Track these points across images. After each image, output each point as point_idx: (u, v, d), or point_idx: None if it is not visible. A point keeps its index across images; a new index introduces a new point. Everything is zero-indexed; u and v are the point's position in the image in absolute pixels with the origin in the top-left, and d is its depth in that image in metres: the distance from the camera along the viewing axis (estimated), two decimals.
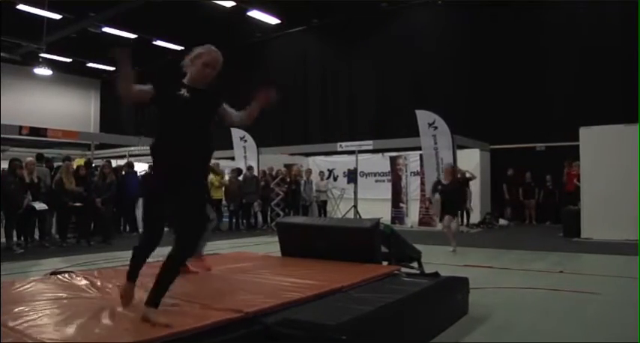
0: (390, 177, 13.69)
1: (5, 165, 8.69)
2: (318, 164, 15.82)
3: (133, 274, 3.05)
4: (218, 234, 11.15)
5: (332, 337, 2.65)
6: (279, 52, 19.75)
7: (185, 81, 3.11)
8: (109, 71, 25.51)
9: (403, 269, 4.63)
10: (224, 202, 12.37)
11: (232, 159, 14.50)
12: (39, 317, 2.74)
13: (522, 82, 13.96)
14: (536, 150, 13.77)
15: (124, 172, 11.30)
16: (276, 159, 14.67)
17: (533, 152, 13.77)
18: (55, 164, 10.46)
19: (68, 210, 8.82)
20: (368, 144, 14.30)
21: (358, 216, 12.42)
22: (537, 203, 13.58)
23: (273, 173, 13.41)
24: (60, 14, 16.51)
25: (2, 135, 11.18)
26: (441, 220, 8.37)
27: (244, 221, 12.70)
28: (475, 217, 12.99)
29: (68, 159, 9.89)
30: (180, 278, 4.15)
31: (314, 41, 19.01)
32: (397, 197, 13.17)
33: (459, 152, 12.16)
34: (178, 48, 21.21)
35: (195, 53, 3.11)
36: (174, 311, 2.88)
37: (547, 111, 13.44)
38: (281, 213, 12.41)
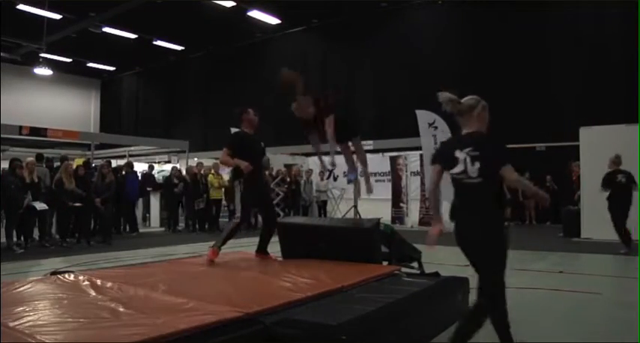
0: (390, 177, 13.69)
1: (5, 165, 8.70)
2: (318, 164, 15.81)
3: None
4: (218, 234, 11.15)
5: (332, 337, 2.65)
6: (279, 52, 19.75)
7: (472, 130, 3.00)
8: (110, 71, 25.55)
9: (403, 269, 4.62)
10: (224, 202, 12.38)
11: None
12: (39, 317, 2.74)
13: (522, 82, 13.96)
14: (536, 150, 13.77)
15: (124, 172, 11.31)
16: (276, 159, 14.67)
17: (533, 152, 13.77)
18: (55, 164, 10.48)
19: (68, 210, 8.83)
20: (368, 144, 14.26)
21: (358, 216, 12.42)
22: (537, 203, 13.57)
23: (273, 173, 13.41)
24: (60, 14, 16.53)
25: (2, 135, 11.18)
26: None
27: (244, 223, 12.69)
28: None
29: (66, 159, 9.90)
30: (181, 277, 4.16)
31: (314, 41, 19.01)
32: (397, 197, 13.18)
33: None
34: (178, 48, 21.25)
35: (483, 104, 3.08)
36: (175, 310, 2.88)
37: (547, 112, 13.43)
38: (281, 213, 12.41)
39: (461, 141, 2.96)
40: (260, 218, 13.71)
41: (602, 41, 12.96)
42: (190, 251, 7.99)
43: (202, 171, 12.16)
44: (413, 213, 12.90)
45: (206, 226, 11.92)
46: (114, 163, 11.68)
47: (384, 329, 3.02)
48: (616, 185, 8.12)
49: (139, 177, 12.41)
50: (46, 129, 12.24)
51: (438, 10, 16.08)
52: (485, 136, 2.97)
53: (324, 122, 4.79)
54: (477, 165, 2.82)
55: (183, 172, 12.53)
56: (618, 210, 8.03)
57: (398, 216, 13.05)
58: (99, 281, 3.71)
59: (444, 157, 3.00)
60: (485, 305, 2.86)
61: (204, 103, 22.45)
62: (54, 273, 4.47)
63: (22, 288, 3.50)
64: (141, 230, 11.77)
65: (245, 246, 7.46)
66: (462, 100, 3.03)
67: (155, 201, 13.28)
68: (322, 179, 14.45)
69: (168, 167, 14.34)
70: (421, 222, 12.50)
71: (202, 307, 2.94)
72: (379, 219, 4.80)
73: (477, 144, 2.87)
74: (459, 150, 2.89)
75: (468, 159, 2.84)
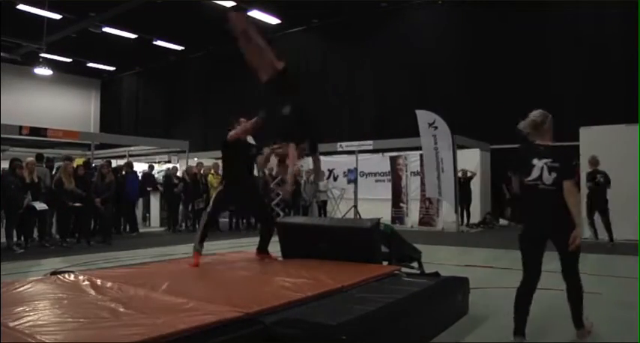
0: (390, 177, 13.69)
1: (5, 165, 8.69)
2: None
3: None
4: (218, 233, 11.16)
5: (332, 337, 2.66)
6: (278, 52, 19.69)
7: (546, 141, 3.56)
8: (110, 71, 25.55)
9: (403, 269, 4.63)
10: None
11: None
12: (39, 317, 2.74)
13: (522, 81, 13.95)
14: None
15: (124, 172, 11.31)
16: (276, 159, 14.63)
17: None
18: (56, 164, 10.47)
19: (68, 210, 8.82)
20: (368, 144, 14.30)
21: (358, 216, 12.43)
22: None
23: (273, 173, 13.41)
24: (60, 14, 16.52)
25: (2, 135, 11.17)
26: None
27: (244, 221, 12.70)
28: (475, 217, 12.99)
29: (69, 159, 9.90)
30: (181, 277, 4.16)
31: (314, 41, 19.00)
32: (397, 197, 13.17)
33: (459, 152, 12.16)
34: (178, 48, 21.24)
35: (550, 118, 3.68)
36: (175, 310, 2.88)
37: (547, 111, 13.40)
38: (281, 213, 12.41)
39: (538, 152, 3.44)
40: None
41: (602, 41, 12.95)
42: (190, 251, 7.97)
43: (202, 171, 12.16)
44: (413, 213, 12.89)
45: None
46: (114, 163, 11.67)
47: (384, 329, 3.02)
48: (595, 184, 8.87)
49: (139, 177, 12.41)
50: (46, 129, 12.21)
51: (438, 10, 16.07)
52: (563, 150, 3.55)
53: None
54: (554, 175, 3.30)
55: (179, 173, 12.50)
56: (593, 207, 8.98)
57: (398, 216, 13.05)
58: (99, 281, 3.71)
59: (521, 164, 3.50)
60: (574, 284, 3.54)
61: (204, 103, 22.45)
62: (54, 273, 4.48)
63: (22, 288, 3.51)
64: (141, 230, 11.77)
65: (245, 246, 7.48)
66: (532, 116, 3.62)
67: (155, 201, 13.27)
68: (322, 179, 14.44)
69: (168, 167, 14.35)
70: (421, 222, 12.50)
71: (202, 307, 2.94)
72: (379, 219, 4.80)
73: (556, 157, 3.39)
74: (537, 159, 3.39)
75: (545, 169, 3.34)
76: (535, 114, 3.60)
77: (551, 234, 3.35)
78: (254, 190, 5.77)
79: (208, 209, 5.16)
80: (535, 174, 3.36)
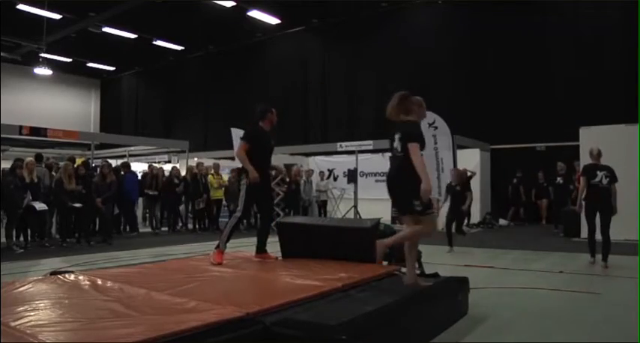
0: None
1: (5, 165, 8.69)
2: (318, 164, 15.82)
3: None
4: (218, 233, 11.15)
5: (332, 337, 2.66)
6: (279, 52, 19.76)
7: (600, 162, 6.92)
8: (110, 71, 25.55)
9: (403, 269, 4.63)
10: (224, 202, 12.37)
11: (232, 159, 14.50)
12: (40, 317, 2.74)
13: (522, 81, 13.96)
14: (537, 150, 13.75)
15: (122, 172, 11.30)
16: (276, 159, 14.63)
17: (534, 152, 13.75)
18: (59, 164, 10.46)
19: (68, 210, 8.82)
20: (368, 144, 14.29)
21: (358, 216, 12.42)
22: (550, 203, 13.23)
23: (273, 173, 13.39)
24: (60, 14, 16.53)
25: (2, 135, 11.16)
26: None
27: (244, 221, 12.68)
28: (475, 217, 12.97)
29: (72, 159, 9.89)
30: (181, 277, 4.15)
31: (314, 41, 19.01)
32: None
33: (459, 152, 12.15)
34: (178, 48, 21.25)
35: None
36: (175, 310, 2.89)
37: (547, 111, 13.42)
38: (281, 213, 12.40)
39: (599, 168, 6.50)
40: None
41: (602, 41, 12.96)
42: (190, 251, 7.99)
43: (202, 171, 12.16)
44: None
45: (206, 225, 11.95)
46: (113, 163, 11.65)
47: (383, 329, 3.02)
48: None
49: (139, 177, 12.39)
50: (46, 129, 12.19)
51: (438, 10, 16.07)
52: (610, 167, 6.47)
53: None
54: (608, 179, 6.40)
55: (164, 172, 12.50)
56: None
57: (398, 216, 13.01)
58: (99, 281, 3.71)
59: (590, 173, 6.49)
60: (606, 236, 6.38)
61: (204, 103, 22.46)
62: (54, 273, 4.47)
63: (22, 288, 3.50)
64: (141, 230, 11.77)
65: (245, 246, 7.47)
66: (595, 151, 6.64)
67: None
68: (322, 179, 14.43)
69: (168, 167, 14.33)
70: None
71: (202, 307, 2.94)
72: (379, 219, 4.81)
73: (608, 171, 6.45)
74: (599, 171, 6.45)
75: (604, 176, 6.41)
76: (596, 150, 6.63)
77: (603, 209, 6.37)
78: (269, 182, 5.93)
79: (238, 213, 5.16)
80: (597, 179, 6.40)
